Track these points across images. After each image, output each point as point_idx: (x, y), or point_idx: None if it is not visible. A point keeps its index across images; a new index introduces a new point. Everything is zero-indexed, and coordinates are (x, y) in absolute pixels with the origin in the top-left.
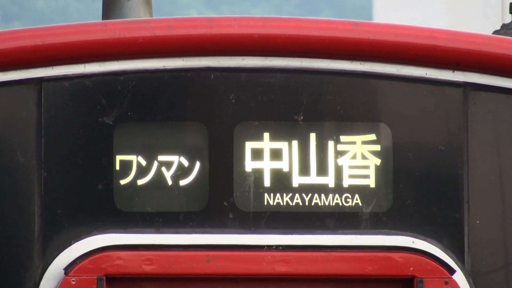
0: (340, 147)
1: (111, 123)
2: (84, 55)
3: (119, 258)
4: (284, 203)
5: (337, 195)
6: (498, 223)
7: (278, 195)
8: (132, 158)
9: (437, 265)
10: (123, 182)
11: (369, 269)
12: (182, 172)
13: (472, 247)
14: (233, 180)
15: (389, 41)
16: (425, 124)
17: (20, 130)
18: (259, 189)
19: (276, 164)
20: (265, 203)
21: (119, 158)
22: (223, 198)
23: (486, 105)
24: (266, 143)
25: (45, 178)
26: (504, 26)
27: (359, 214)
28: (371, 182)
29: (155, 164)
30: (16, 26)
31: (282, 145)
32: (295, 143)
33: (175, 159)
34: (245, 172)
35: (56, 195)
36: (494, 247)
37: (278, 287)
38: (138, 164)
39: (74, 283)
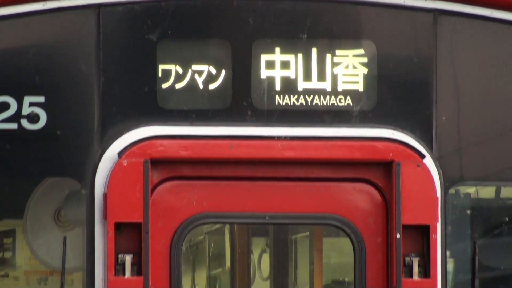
0: (335, 59)
1: (154, 39)
2: None
3: (161, 145)
4: (291, 103)
5: (333, 97)
6: (458, 119)
7: (286, 96)
8: (172, 67)
9: (411, 151)
10: (164, 86)
11: (357, 155)
12: (211, 78)
13: (439, 137)
14: (251, 84)
15: None
16: (403, 41)
17: (83, 45)
18: (272, 92)
19: (285, 72)
20: (276, 103)
21: (161, 67)
22: (243, 99)
23: (451, 27)
24: (277, 56)
25: (103, 83)
26: None
27: (350, 111)
28: (360, 87)
29: (190, 72)
30: None
31: (290, 57)
32: (300, 55)
33: (205, 68)
34: (260, 78)
35: (111, 96)
36: (456, 137)
37: (286, 168)
38: (176, 72)
39: (125, 164)
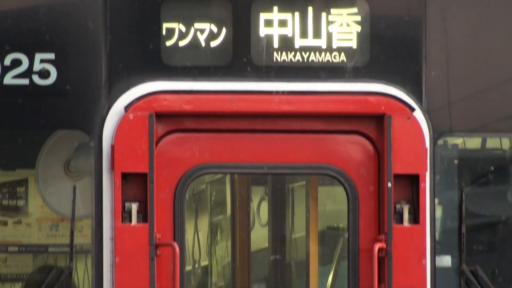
0: (330, 18)
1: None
2: None
3: (165, 100)
4: (289, 60)
5: (328, 53)
6: (447, 74)
7: (284, 53)
8: (175, 25)
9: (402, 105)
10: (168, 43)
11: (351, 108)
12: (212, 36)
13: (428, 92)
14: (250, 42)
15: None
16: (394, 0)
17: (91, 4)
18: (270, 49)
19: (283, 31)
20: (274, 60)
21: (165, 25)
22: (243, 55)
23: None
24: (275, 14)
25: (110, 40)
26: None
27: (344, 67)
28: (354, 44)
29: (192, 30)
30: None
31: (287, 16)
32: (297, 14)
33: (207, 26)
34: (259, 36)
35: (118, 53)
36: (444, 91)
37: (283, 121)
38: (180, 30)
39: (131, 118)
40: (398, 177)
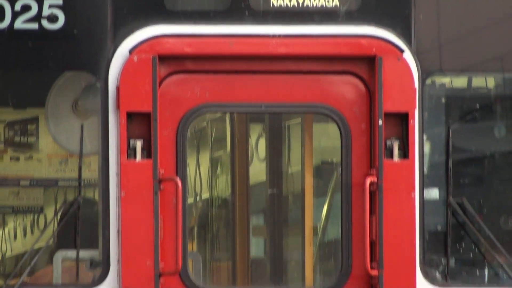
0: None
1: None
2: None
3: (167, 43)
4: (285, 4)
5: None
6: (434, 17)
7: None
8: None
9: (392, 47)
10: None
11: (344, 50)
12: None
13: (417, 34)
14: None
15: None
16: None
17: None
18: None
19: None
20: (271, 5)
21: None
22: (241, 0)
23: None
24: None
25: None
26: None
27: (337, 11)
28: None
29: None
30: None
31: None
32: None
33: None
34: None
35: None
36: (432, 33)
37: (279, 63)
38: None
39: (136, 60)
40: (388, 115)
